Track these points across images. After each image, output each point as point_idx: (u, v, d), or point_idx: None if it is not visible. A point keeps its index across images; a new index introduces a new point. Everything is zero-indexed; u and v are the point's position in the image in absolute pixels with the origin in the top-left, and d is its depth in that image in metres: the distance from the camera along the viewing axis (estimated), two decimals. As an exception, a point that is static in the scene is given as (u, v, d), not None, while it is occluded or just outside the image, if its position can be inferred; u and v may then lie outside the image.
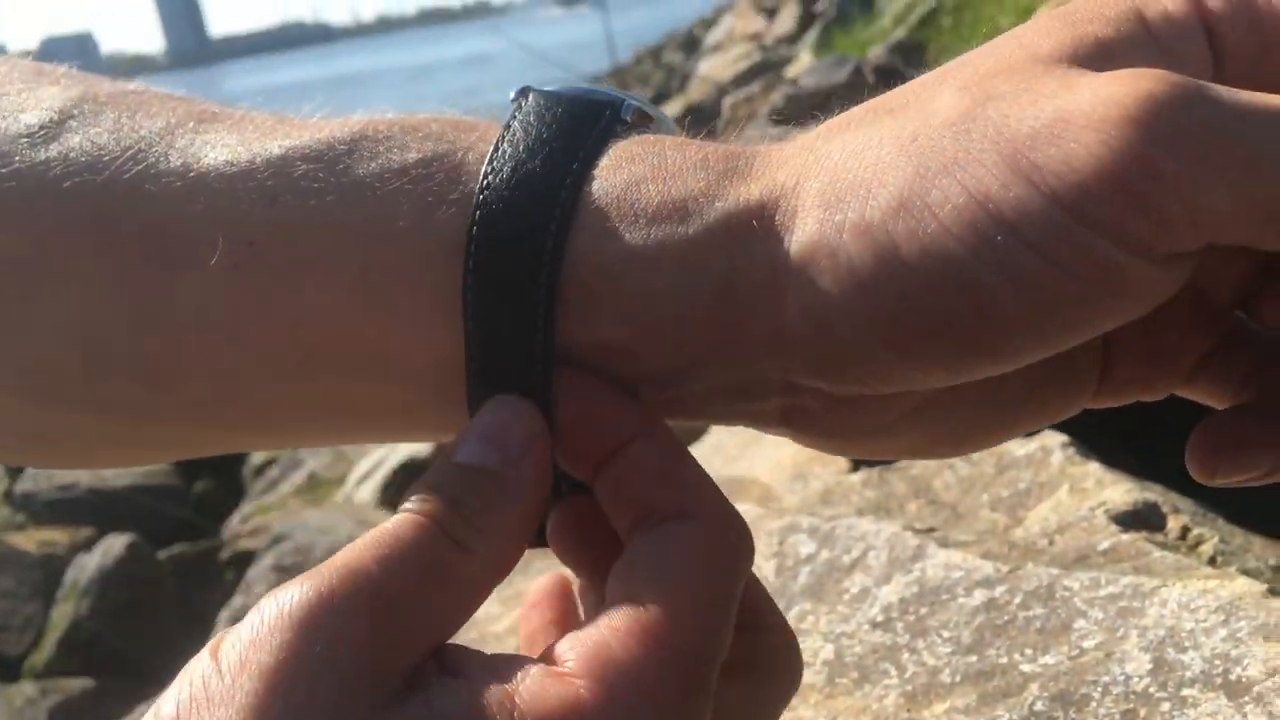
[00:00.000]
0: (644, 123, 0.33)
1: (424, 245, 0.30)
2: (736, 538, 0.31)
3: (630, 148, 0.31)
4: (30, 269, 0.33)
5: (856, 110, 0.30)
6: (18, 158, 0.32)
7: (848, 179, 0.27)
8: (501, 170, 0.30)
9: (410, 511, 0.28)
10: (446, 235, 0.30)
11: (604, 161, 0.31)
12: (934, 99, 0.28)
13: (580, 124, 0.31)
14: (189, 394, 0.34)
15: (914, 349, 0.27)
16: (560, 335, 0.30)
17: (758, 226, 0.28)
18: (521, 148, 0.31)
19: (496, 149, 0.31)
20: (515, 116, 0.32)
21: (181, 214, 0.31)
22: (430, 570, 0.28)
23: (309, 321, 0.31)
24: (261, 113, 0.34)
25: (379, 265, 0.31)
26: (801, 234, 0.28)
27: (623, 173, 0.30)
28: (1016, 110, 0.26)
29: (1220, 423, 0.32)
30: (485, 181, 0.30)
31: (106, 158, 0.32)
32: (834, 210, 0.27)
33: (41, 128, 0.33)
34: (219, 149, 0.32)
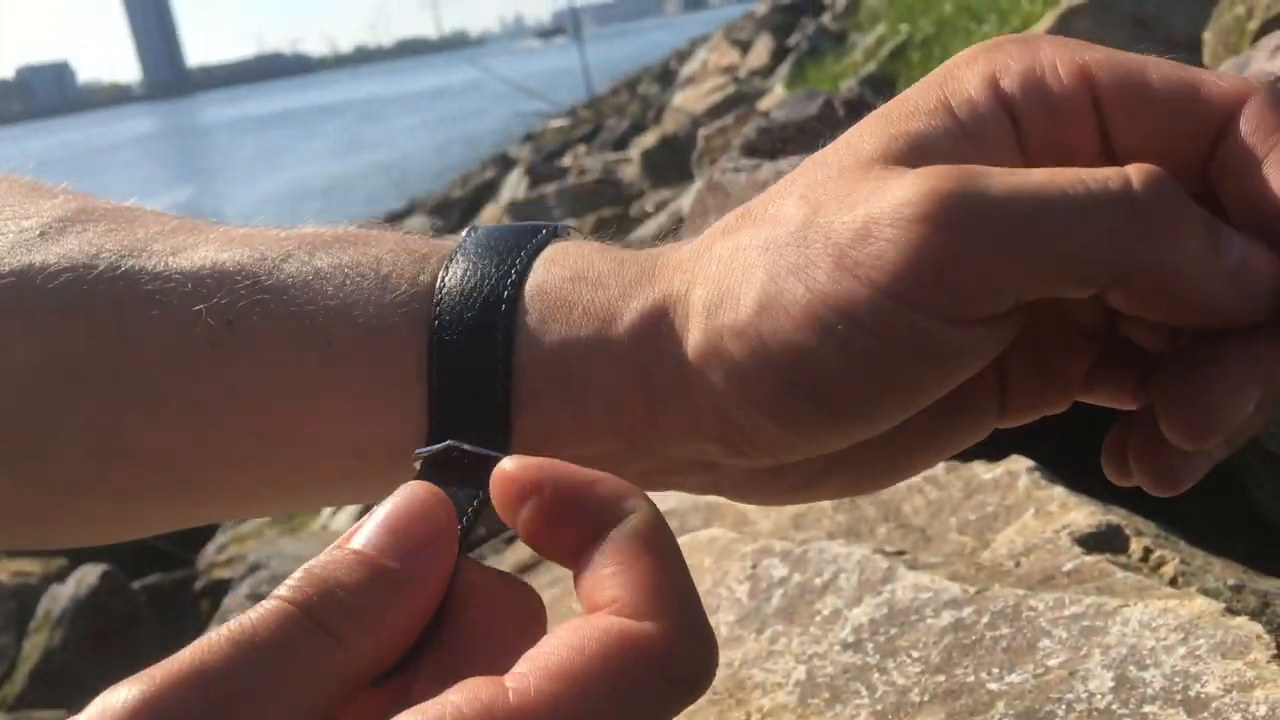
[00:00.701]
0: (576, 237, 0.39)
1: (383, 338, 0.34)
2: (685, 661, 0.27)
3: (564, 248, 0.36)
4: (23, 359, 0.35)
5: (730, 217, 0.34)
6: (18, 259, 0.36)
7: (722, 287, 0.32)
8: (456, 273, 0.35)
9: (279, 598, 0.26)
10: (404, 329, 0.34)
11: (541, 259, 0.35)
12: (782, 208, 0.32)
13: (521, 236, 0.36)
14: (166, 474, 0.36)
15: (800, 425, 0.32)
16: (516, 413, 0.34)
17: (663, 330, 0.33)
18: (473, 254, 0.35)
19: (451, 258, 0.36)
20: (467, 238, 0.36)
21: (167, 301, 0.35)
22: (286, 662, 0.25)
23: (279, 397, 0.35)
24: (241, 226, 0.38)
25: (342, 351, 0.34)
26: (694, 338, 0.32)
27: (558, 268, 0.35)
28: (840, 216, 0.31)
29: (1127, 426, 0.34)
30: (442, 282, 0.35)
31: (101, 256, 0.36)
32: (714, 316, 0.32)
33: (41, 233, 0.36)
34: (203, 249, 0.36)
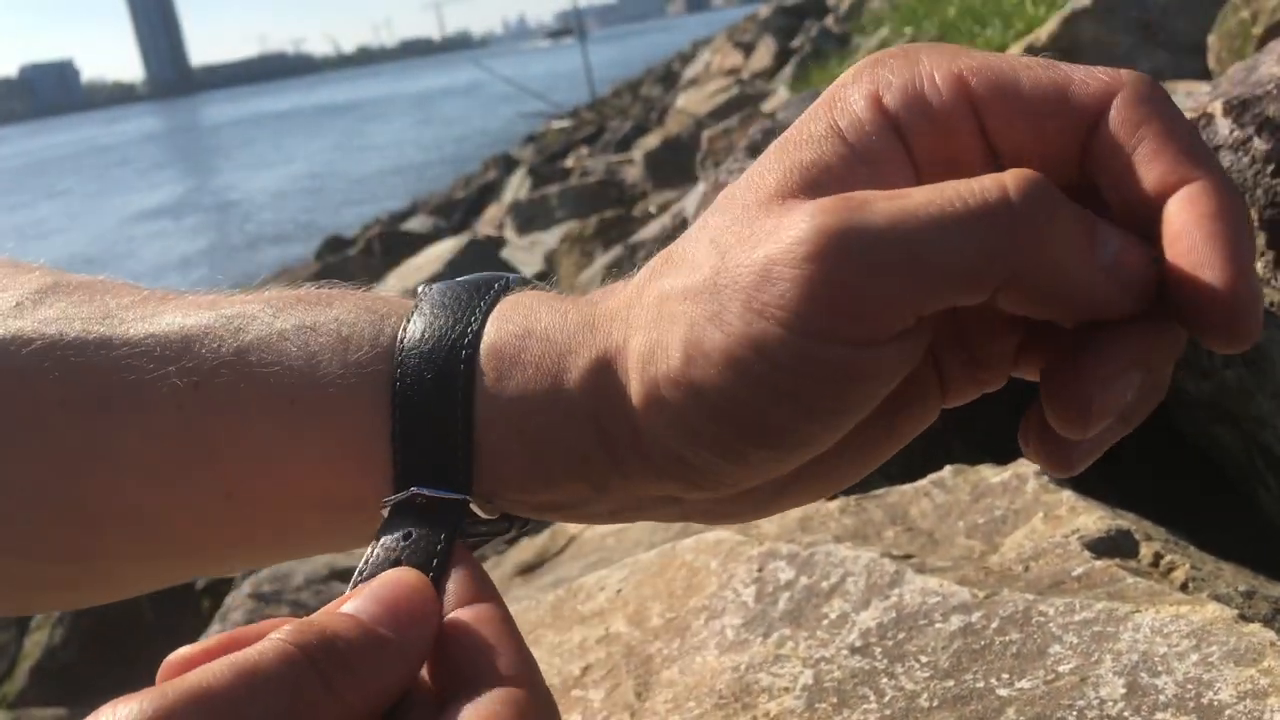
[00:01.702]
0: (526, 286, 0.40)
1: (346, 397, 0.36)
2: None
3: (514, 302, 0.37)
4: None
5: (656, 260, 0.36)
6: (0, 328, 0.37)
7: (652, 337, 0.34)
8: (414, 333, 0.36)
9: (281, 640, 0.28)
10: (367, 390, 0.36)
11: (494, 317, 0.37)
12: (696, 253, 0.34)
13: (474, 293, 0.38)
14: (136, 535, 0.37)
15: (748, 459, 0.33)
16: (478, 467, 0.35)
17: (609, 381, 0.35)
18: (429, 313, 0.37)
19: (409, 318, 0.37)
20: (423, 297, 0.38)
21: (136, 365, 0.36)
22: (286, 698, 0.27)
23: (244, 457, 0.36)
24: (208, 293, 0.40)
25: (305, 412, 0.36)
26: (635, 389, 0.34)
27: (509, 325, 0.36)
28: (744, 259, 0.32)
29: (1035, 406, 0.35)
30: (401, 342, 0.36)
31: (73, 325, 0.37)
32: (649, 367, 0.34)
33: (17, 304, 0.38)
34: (170, 315, 0.38)
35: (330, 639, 0.28)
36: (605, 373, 0.35)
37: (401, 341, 0.36)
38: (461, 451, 0.35)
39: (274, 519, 0.37)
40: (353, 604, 0.30)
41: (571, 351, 0.35)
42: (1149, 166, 0.31)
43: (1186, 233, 0.30)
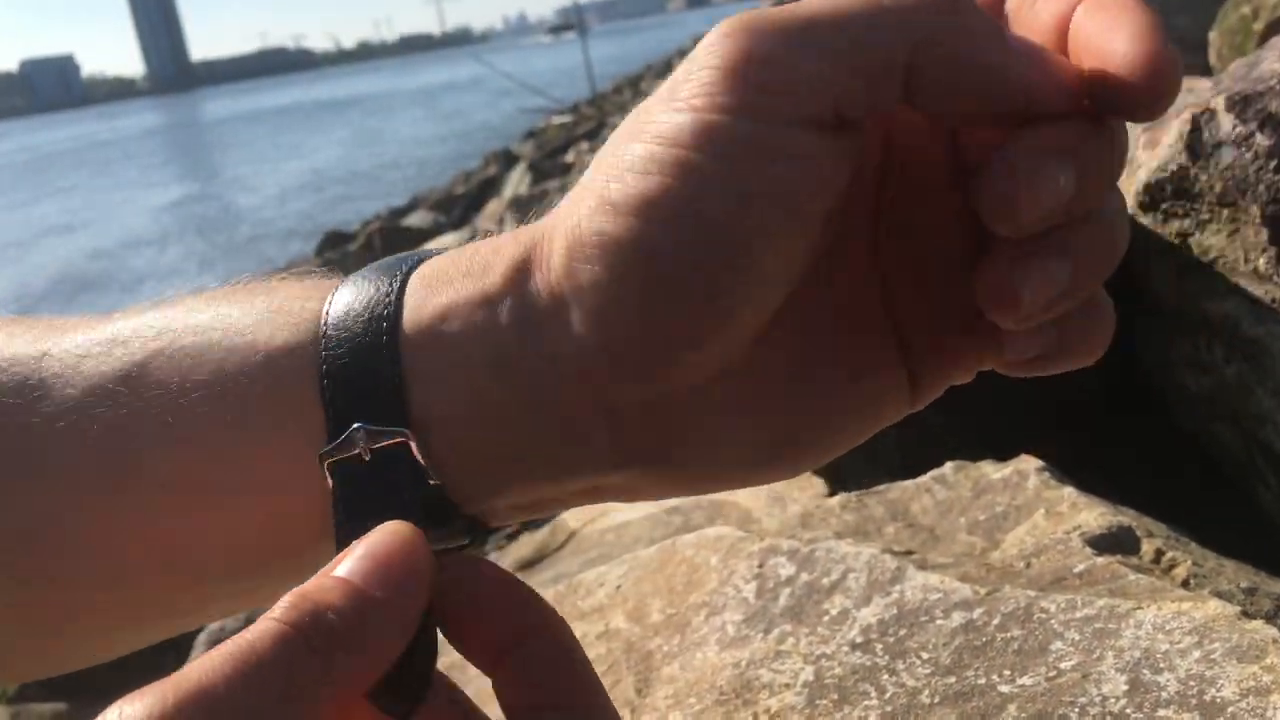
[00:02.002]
0: None
1: (274, 360, 0.35)
2: None
3: (442, 256, 0.36)
4: None
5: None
6: None
7: (568, 211, 0.33)
8: (343, 293, 0.35)
9: (275, 620, 0.27)
10: (295, 348, 0.35)
11: (420, 269, 0.36)
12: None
13: (396, 263, 0.36)
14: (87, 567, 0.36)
15: (670, 323, 0.31)
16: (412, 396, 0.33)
17: (530, 265, 0.33)
18: (357, 278, 0.36)
19: (337, 288, 0.36)
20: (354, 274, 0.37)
21: (71, 367, 0.36)
22: (286, 681, 0.26)
23: (183, 446, 0.35)
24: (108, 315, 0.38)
25: (236, 385, 0.34)
26: (557, 261, 0.33)
27: (432, 266, 0.35)
28: (651, 99, 0.32)
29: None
30: (329, 303, 0.35)
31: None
32: (569, 236, 0.32)
33: None
34: (106, 327, 0.37)
35: (323, 611, 0.28)
36: (531, 257, 0.33)
37: (329, 303, 0.35)
38: (391, 373, 0.33)
39: (227, 509, 0.35)
40: (345, 565, 0.29)
41: (497, 254, 0.34)
42: (1046, 5, 0.32)
43: (1090, 19, 0.30)
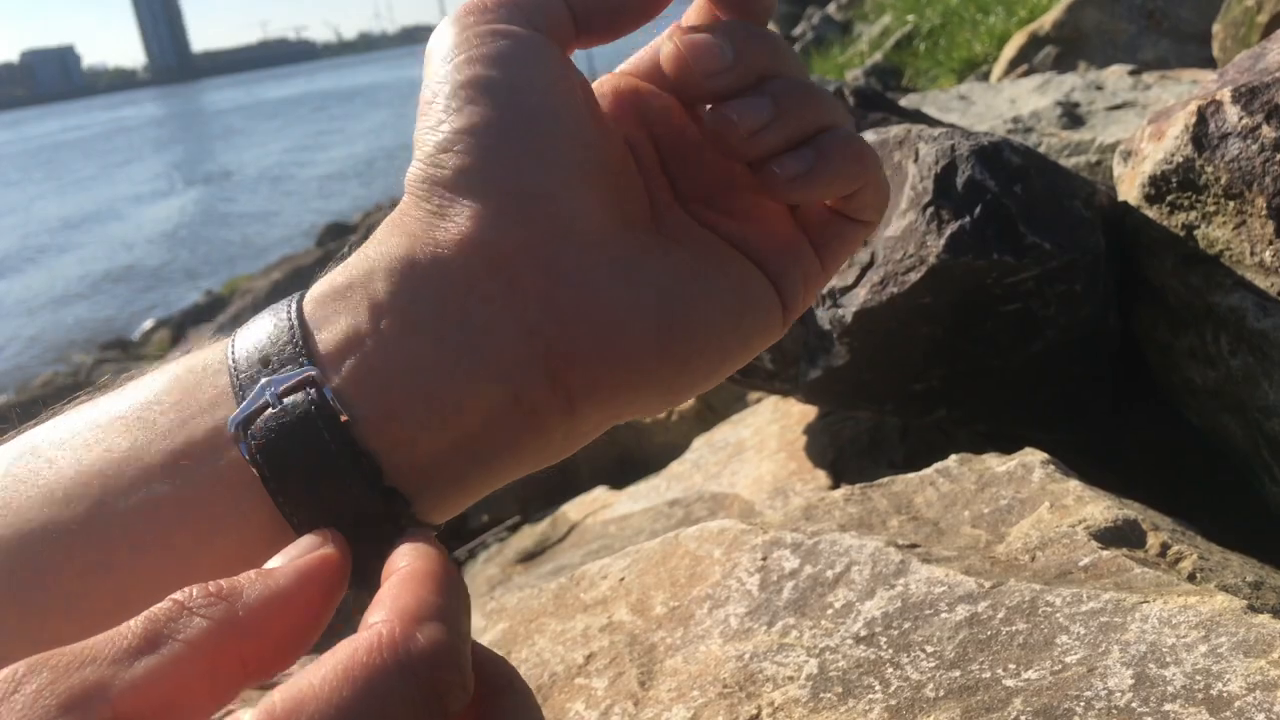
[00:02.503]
0: None
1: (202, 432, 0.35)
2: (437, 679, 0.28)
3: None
4: None
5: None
6: None
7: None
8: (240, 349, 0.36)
9: (173, 599, 0.29)
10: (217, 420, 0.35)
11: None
12: None
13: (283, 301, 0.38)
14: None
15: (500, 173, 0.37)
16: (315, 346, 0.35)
17: (394, 221, 0.38)
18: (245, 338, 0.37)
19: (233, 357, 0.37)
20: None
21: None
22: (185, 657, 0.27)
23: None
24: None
25: (183, 451, 0.35)
26: (417, 174, 0.38)
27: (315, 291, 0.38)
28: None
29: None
30: (231, 355, 0.36)
31: None
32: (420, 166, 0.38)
33: None
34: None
35: (229, 593, 0.29)
36: (391, 222, 0.38)
37: (233, 356, 0.37)
38: (295, 325, 0.35)
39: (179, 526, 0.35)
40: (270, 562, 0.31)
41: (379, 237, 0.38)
42: None
43: None
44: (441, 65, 0.38)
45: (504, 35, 0.38)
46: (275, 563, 0.31)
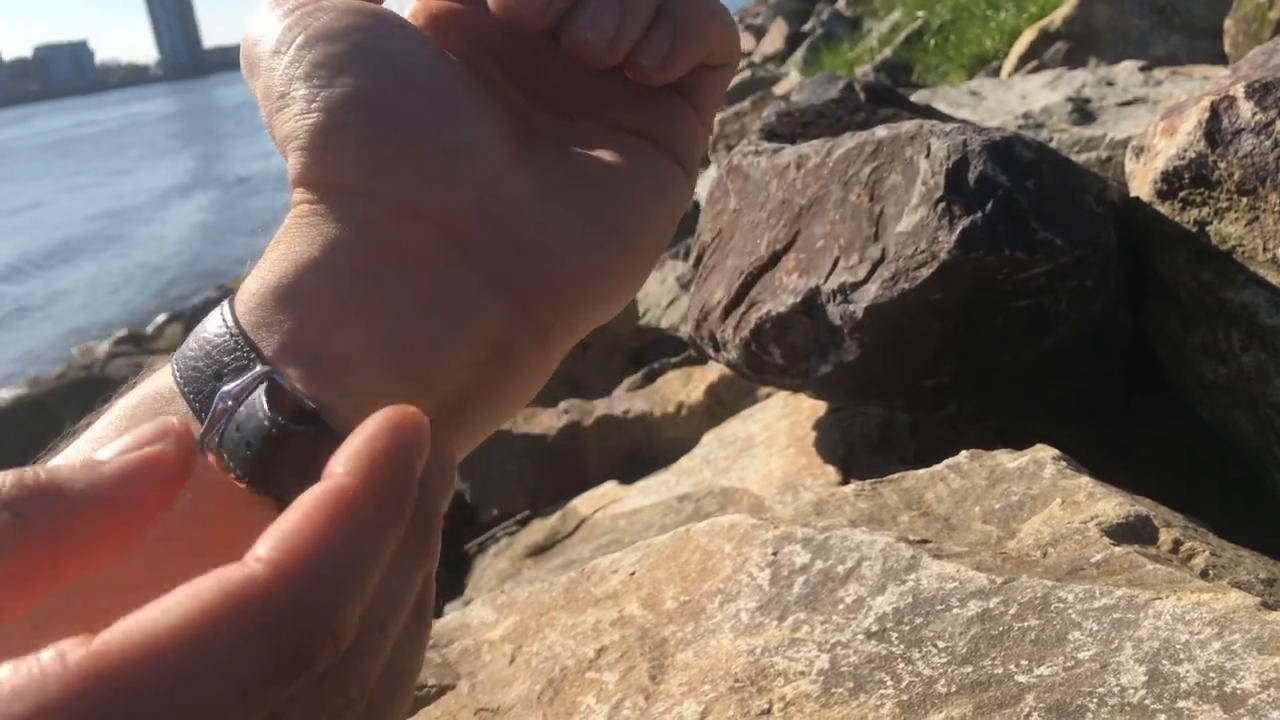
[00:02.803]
0: None
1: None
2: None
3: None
4: None
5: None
6: None
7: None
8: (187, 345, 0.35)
9: None
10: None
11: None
12: None
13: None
14: None
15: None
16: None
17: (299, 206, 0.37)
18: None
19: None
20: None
21: None
22: None
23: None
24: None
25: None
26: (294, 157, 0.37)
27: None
28: None
29: None
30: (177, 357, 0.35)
31: None
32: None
33: None
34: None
35: (35, 478, 0.26)
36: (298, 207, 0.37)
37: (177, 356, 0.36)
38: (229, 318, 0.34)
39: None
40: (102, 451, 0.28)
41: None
42: None
43: None
44: (278, 55, 0.36)
45: (325, 8, 0.37)
46: (106, 453, 0.28)
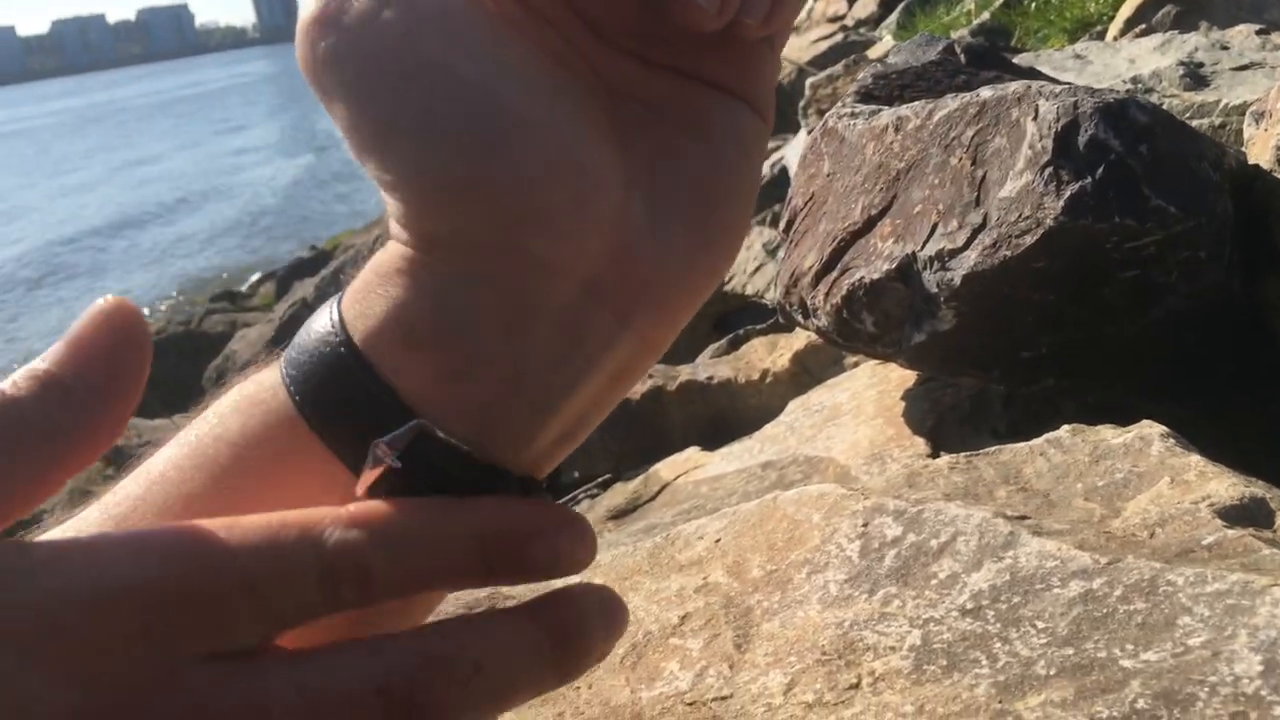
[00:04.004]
0: None
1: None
2: None
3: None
4: None
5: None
6: None
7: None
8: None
9: None
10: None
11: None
12: None
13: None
14: None
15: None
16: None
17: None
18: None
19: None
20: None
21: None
22: None
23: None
24: None
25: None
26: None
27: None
28: None
29: None
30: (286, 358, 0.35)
31: None
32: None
33: None
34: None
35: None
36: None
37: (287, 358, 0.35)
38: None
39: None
40: (47, 354, 0.30)
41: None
42: None
43: None
44: (342, 94, 0.33)
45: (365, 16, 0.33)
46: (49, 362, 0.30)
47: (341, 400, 0.33)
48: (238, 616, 0.28)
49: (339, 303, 0.35)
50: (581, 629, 0.32)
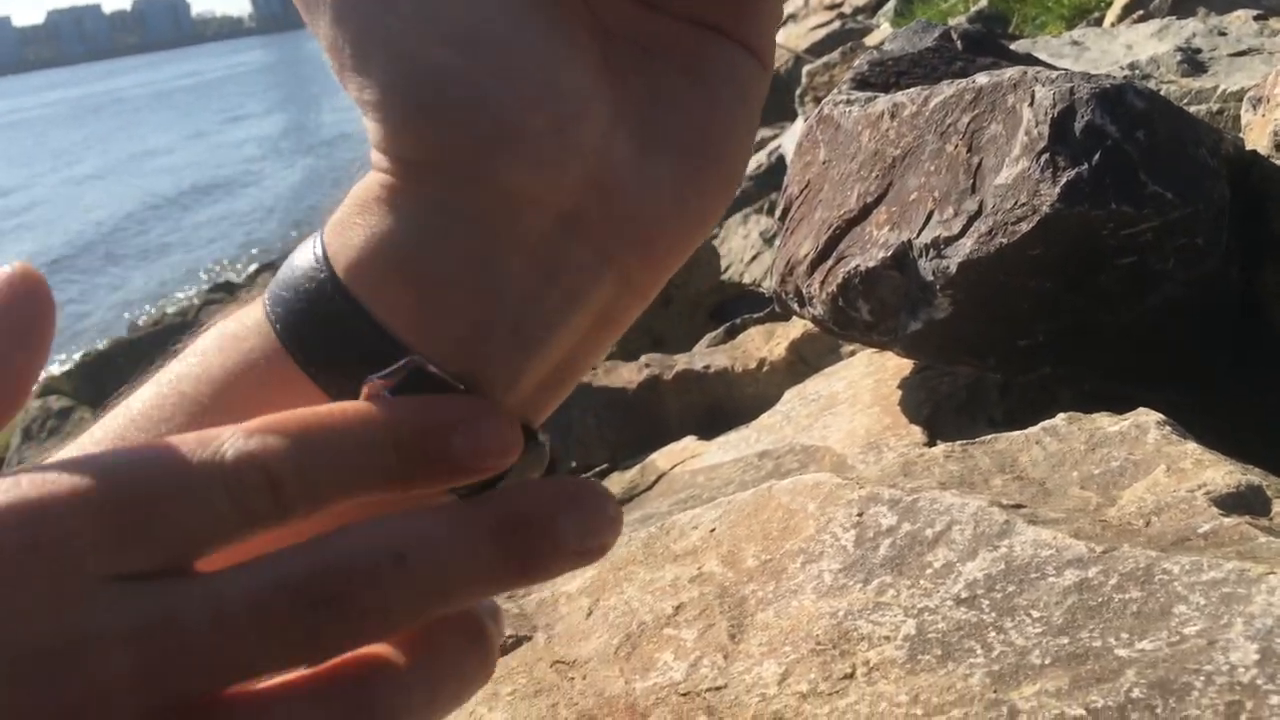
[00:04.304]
0: None
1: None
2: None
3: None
4: None
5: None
6: None
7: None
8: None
9: None
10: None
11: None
12: None
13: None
14: None
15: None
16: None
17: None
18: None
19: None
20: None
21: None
22: None
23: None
24: None
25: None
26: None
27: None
28: None
29: None
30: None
31: None
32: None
33: None
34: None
35: None
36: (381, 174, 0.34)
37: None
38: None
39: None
40: None
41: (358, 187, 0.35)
42: None
43: None
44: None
45: None
46: None
47: (329, 335, 0.33)
48: (139, 532, 0.27)
49: (321, 236, 0.34)
50: (538, 513, 0.30)
